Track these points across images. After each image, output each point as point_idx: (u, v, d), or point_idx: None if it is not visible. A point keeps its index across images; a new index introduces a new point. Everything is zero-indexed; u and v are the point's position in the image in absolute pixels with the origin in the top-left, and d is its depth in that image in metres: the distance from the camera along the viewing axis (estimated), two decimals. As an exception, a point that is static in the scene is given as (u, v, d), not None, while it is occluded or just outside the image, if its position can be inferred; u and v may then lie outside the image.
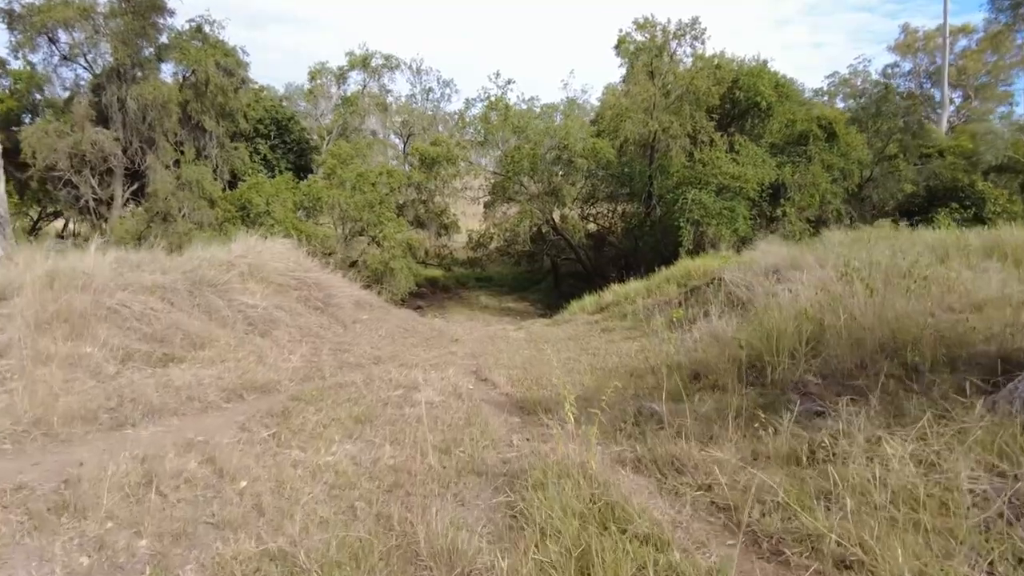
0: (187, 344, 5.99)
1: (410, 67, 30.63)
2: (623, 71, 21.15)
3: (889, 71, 37.89)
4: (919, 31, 39.93)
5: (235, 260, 8.76)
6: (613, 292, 14.31)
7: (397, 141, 30.26)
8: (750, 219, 18.48)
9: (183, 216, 17.41)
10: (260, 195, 17.29)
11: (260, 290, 8.12)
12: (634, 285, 13.82)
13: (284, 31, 77.47)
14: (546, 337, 10.81)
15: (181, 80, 18.91)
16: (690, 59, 19.70)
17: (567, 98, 22.34)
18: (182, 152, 18.22)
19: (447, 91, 31.27)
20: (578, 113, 24.69)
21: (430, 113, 31.69)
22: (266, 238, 10.45)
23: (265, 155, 23.68)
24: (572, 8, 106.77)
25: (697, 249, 17.14)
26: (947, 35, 33.52)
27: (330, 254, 17.65)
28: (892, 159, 24.11)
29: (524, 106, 21.86)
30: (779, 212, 19.43)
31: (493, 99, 21.80)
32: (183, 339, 6.04)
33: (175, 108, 17.50)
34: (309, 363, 6.59)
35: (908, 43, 41.04)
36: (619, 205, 23.68)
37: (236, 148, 20.73)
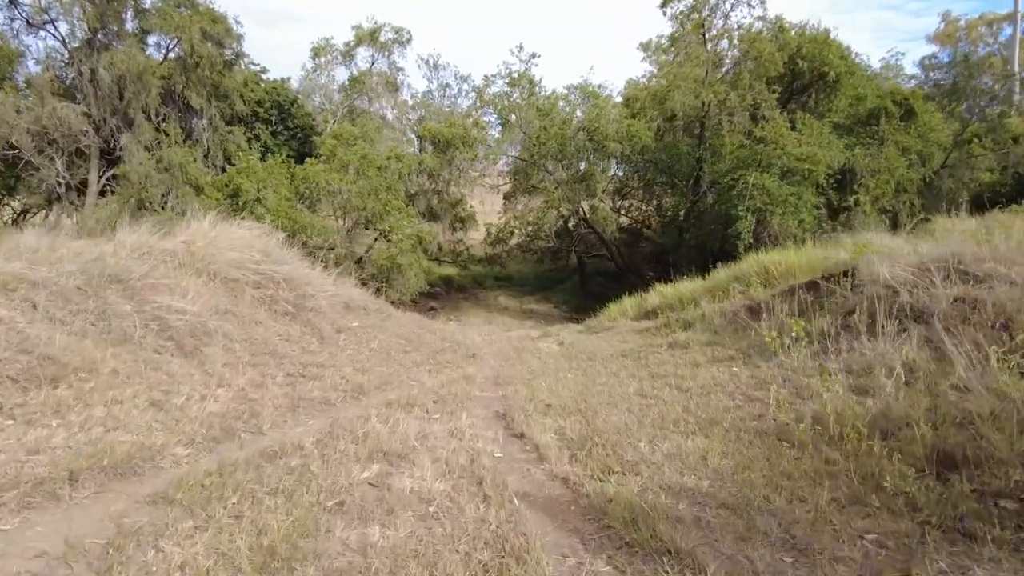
0: (29, 379, 3.62)
1: (427, 62, 28.57)
2: (646, 64, 18.52)
3: (927, 62, 34.70)
4: (960, 20, 36.89)
5: (175, 247, 6.44)
6: (659, 293, 12.00)
7: (414, 138, 28.19)
8: (816, 208, 15.76)
9: (167, 204, 15.23)
10: (250, 180, 15.01)
11: (198, 288, 5.75)
12: (689, 285, 11.32)
13: (292, 30, 75.63)
14: (589, 351, 8.29)
15: (165, 51, 16.76)
16: (740, 26, 16.99)
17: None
18: (166, 133, 16.04)
19: (464, 87, 29.10)
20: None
21: (447, 109, 29.55)
22: (232, 219, 8.10)
23: (265, 141, 21.49)
24: (575, 11, 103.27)
25: (756, 243, 14.47)
26: (1018, 10, 30.09)
27: (331, 248, 15.38)
28: (968, 144, 21.16)
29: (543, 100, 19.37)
30: (850, 201, 16.63)
31: (515, 75, 19.29)
32: (26, 369, 3.66)
33: (155, 81, 15.29)
34: (244, 403, 4.19)
35: (948, 32, 37.83)
36: (656, 197, 20.98)
37: (231, 132, 18.54)
